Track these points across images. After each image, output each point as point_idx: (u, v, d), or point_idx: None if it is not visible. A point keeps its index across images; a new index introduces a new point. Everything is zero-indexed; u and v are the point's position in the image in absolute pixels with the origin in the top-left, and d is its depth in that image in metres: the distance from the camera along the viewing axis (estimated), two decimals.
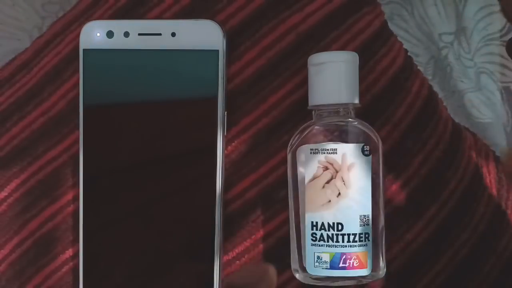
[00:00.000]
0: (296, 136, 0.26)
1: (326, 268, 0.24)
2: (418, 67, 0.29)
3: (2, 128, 0.29)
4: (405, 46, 0.29)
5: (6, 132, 0.29)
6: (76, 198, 0.28)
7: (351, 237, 0.24)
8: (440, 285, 0.28)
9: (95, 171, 0.28)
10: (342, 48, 0.28)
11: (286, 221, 0.27)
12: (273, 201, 0.28)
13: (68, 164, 0.29)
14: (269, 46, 0.28)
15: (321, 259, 0.24)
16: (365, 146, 0.24)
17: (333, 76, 0.25)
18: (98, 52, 0.27)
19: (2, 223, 0.29)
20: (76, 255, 0.28)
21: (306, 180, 0.25)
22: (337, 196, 0.24)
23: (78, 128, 0.28)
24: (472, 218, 0.28)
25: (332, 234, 0.24)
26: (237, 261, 0.28)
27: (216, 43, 0.27)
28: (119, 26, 0.27)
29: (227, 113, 0.27)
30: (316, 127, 0.25)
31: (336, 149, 0.24)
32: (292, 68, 0.28)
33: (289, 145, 0.26)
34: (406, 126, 0.28)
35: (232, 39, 0.28)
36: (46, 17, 0.31)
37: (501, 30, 0.33)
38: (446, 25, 0.32)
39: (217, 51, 0.27)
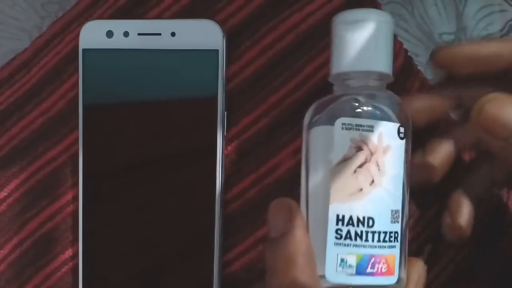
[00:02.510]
0: (316, 108, 0.21)
1: (351, 274, 0.19)
2: (418, 67, 0.29)
3: (1, 128, 0.29)
4: (405, 46, 0.29)
5: (6, 132, 0.29)
6: (75, 198, 0.28)
7: (381, 236, 0.20)
8: (440, 285, 0.28)
9: (95, 171, 0.28)
10: None
11: None
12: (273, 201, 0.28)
13: (68, 164, 0.29)
14: (269, 45, 0.28)
15: (346, 262, 0.19)
16: (400, 128, 0.20)
17: (370, 38, 0.20)
18: (97, 52, 0.27)
19: (1, 223, 0.29)
20: (75, 255, 0.28)
21: (334, 162, 0.20)
22: (370, 184, 0.20)
23: (77, 128, 0.28)
24: None
25: (361, 231, 0.19)
26: (237, 261, 0.28)
27: (216, 43, 0.27)
28: (118, 26, 0.27)
29: (227, 113, 0.27)
30: (346, 97, 0.21)
31: (373, 126, 0.20)
32: (292, 68, 0.28)
33: (307, 119, 0.22)
34: None
35: (232, 38, 0.28)
36: (46, 17, 0.31)
37: (501, 30, 0.33)
38: (446, 24, 0.32)
39: (217, 51, 0.27)
